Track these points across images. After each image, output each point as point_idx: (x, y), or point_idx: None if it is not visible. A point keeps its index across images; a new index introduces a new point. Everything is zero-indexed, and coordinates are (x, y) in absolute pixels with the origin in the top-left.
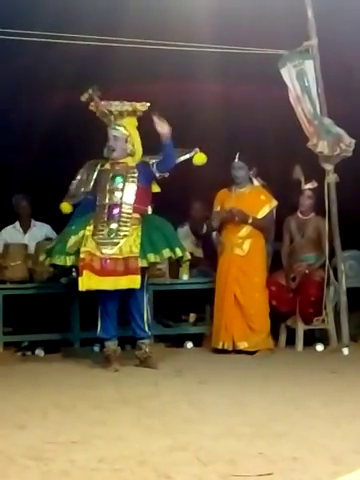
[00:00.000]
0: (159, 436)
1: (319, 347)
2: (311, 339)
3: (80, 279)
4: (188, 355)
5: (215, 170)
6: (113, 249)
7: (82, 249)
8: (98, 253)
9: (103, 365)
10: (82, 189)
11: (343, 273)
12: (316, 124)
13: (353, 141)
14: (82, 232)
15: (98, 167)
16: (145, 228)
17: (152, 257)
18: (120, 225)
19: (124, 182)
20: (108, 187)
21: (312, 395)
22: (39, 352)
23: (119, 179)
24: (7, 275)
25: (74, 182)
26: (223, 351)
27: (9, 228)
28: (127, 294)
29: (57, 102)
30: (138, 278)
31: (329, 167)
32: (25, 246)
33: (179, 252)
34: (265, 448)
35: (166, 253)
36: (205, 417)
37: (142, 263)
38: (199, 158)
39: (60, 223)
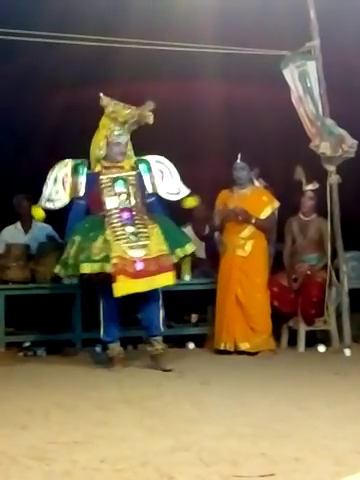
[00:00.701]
0: (161, 437)
1: (321, 348)
2: (313, 340)
3: (115, 285)
4: (190, 356)
5: (217, 171)
6: (142, 251)
7: (112, 254)
8: (127, 256)
9: (106, 366)
10: (63, 193)
11: (345, 274)
12: (318, 125)
13: (355, 142)
14: (101, 237)
15: (85, 170)
16: (162, 226)
17: (180, 252)
18: (138, 227)
19: (127, 185)
20: (113, 191)
21: (314, 396)
22: (41, 352)
23: (122, 182)
24: (9, 275)
25: (50, 185)
26: (225, 352)
27: (10, 228)
28: (143, 293)
29: (59, 102)
30: (173, 274)
31: (331, 168)
32: (27, 246)
33: (193, 246)
34: (267, 449)
35: (189, 247)
36: (207, 418)
37: (173, 259)
38: (190, 202)
39: (61, 224)
